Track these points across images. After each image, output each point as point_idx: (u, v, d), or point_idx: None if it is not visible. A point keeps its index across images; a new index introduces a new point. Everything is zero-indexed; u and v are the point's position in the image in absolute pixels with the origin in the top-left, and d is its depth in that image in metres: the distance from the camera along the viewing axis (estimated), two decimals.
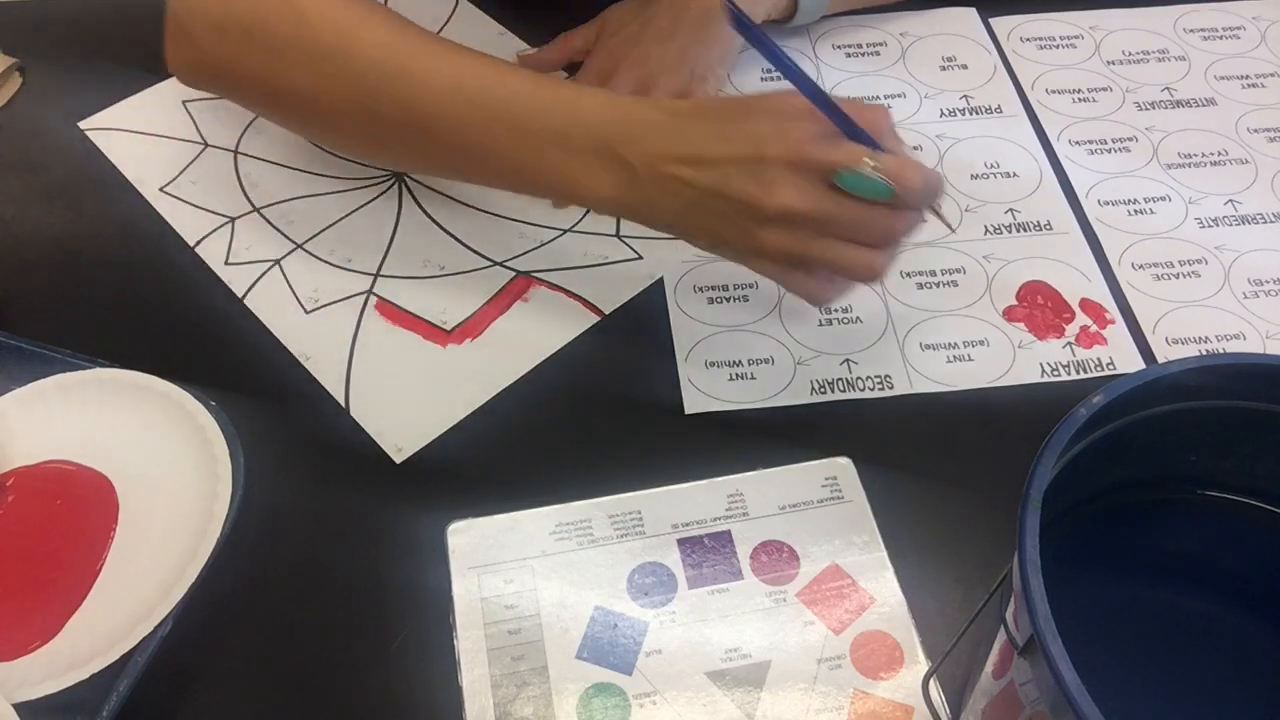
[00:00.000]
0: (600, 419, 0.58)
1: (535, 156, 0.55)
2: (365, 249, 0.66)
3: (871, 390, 0.60)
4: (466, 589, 0.51)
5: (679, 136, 0.53)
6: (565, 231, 0.67)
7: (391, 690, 0.49)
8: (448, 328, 0.62)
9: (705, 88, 0.71)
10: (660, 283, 0.65)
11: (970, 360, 0.61)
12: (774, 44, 0.50)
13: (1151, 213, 0.69)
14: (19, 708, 0.46)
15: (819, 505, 0.54)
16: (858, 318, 0.63)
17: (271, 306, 0.63)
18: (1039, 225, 0.68)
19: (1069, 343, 0.62)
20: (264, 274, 0.65)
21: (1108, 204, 0.69)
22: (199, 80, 0.63)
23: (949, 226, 0.59)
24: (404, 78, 0.55)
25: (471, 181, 0.65)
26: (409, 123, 0.56)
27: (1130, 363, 0.61)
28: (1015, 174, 0.71)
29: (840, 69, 0.78)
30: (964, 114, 0.75)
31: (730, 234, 0.54)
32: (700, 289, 0.64)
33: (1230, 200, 0.69)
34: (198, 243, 0.66)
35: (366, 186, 0.70)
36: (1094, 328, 0.62)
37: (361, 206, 0.68)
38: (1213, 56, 0.79)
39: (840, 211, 0.51)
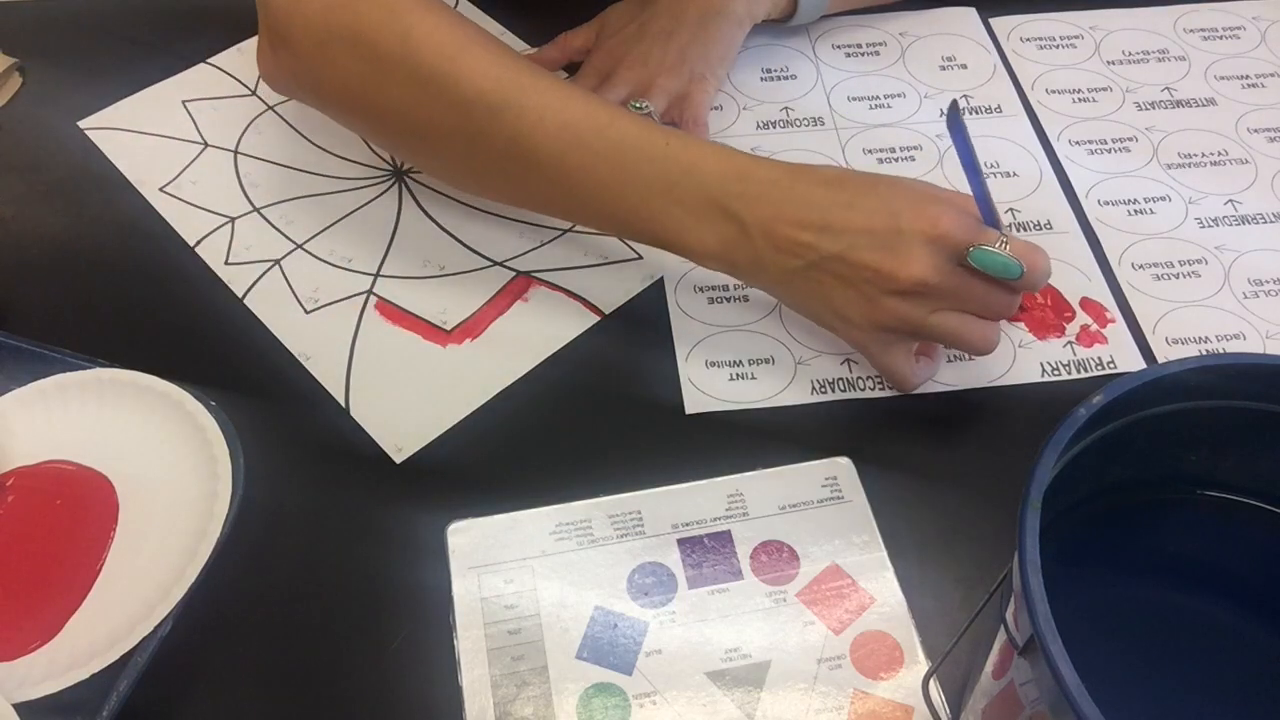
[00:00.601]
0: (600, 419, 0.58)
1: (640, 203, 0.55)
2: (365, 249, 0.66)
3: (871, 390, 0.60)
4: (466, 589, 0.51)
5: (801, 200, 0.53)
6: (565, 231, 0.67)
7: (391, 690, 0.49)
8: (448, 328, 0.62)
9: (705, 87, 0.71)
10: (660, 283, 0.65)
11: (970, 360, 0.61)
12: (969, 143, 0.51)
13: (1151, 213, 0.69)
14: (19, 708, 0.46)
15: (819, 505, 0.54)
16: None
17: (271, 306, 0.63)
18: (1039, 225, 0.68)
19: (1069, 342, 0.62)
20: (264, 274, 0.65)
21: (1108, 204, 0.69)
22: (294, 90, 0.62)
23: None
24: (510, 111, 0.54)
25: (572, 220, 0.66)
26: (511, 156, 0.55)
27: (1130, 362, 0.61)
28: (1015, 174, 0.71)
29: (840, 69, 0.78)
30: (964, 114, 0.75)
31: (845, 299, 0.54)
32: (700, 289, 0.64)
33: (1230, 200, 0.69)
34: (198, 243, 0.66)
35: (366, 186, 0.70)
36: (1094, 327, 0.62)
37: (361, 206, 0.68)
38: (1213, 56, 0.79)
39: (967, 287, 0.53)
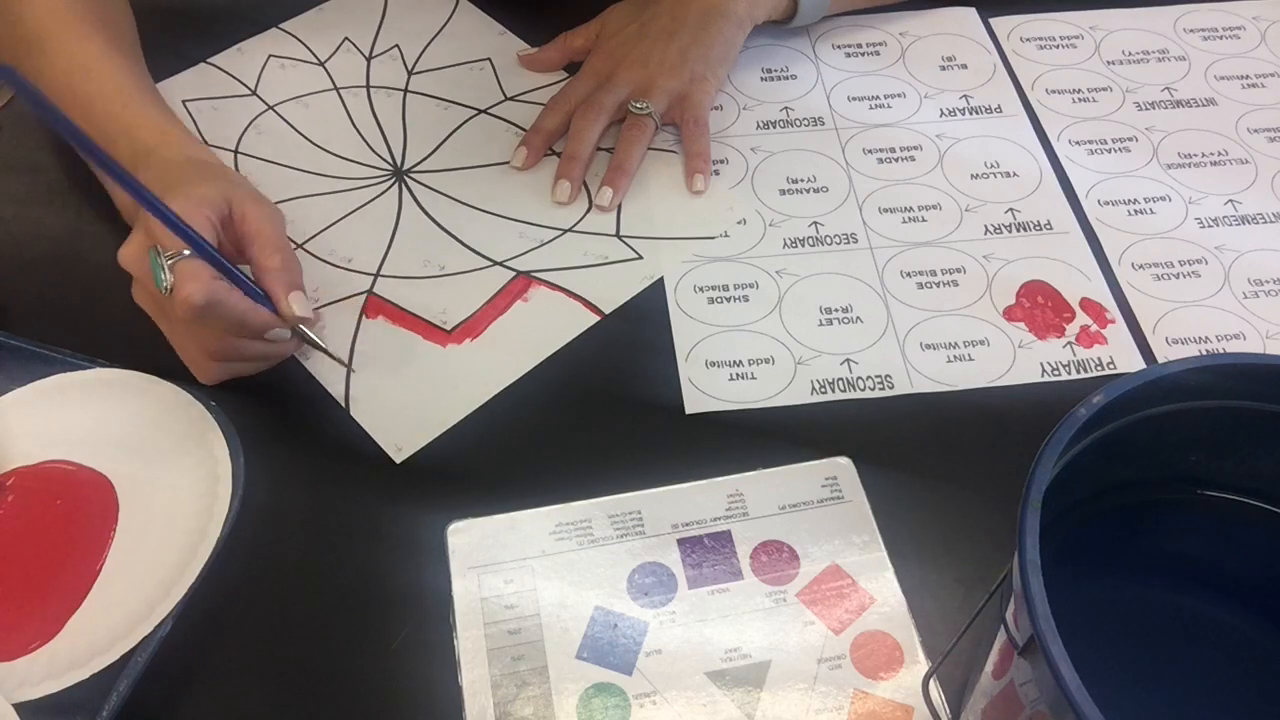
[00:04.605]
0: (600, 419, 0.58)
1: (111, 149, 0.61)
2: (365, 249, 0.66)
3: (871, 390, 0.60)
4: (466, 589, 0.51)
5: (157, 176, 0.56)
6: (565, 231, 0.67)
7: (391, 690, 0.49)
8: (448, 328, 0.62)
9: (705, 88, 0.71)
10: (660, 283, 0.65)
11: (970, 360, 0.61)
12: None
13: (1151, 213, 0.69)
14: (19, 708, 0.46)
15: (819, 505, 0.54)
16: (858, 318, 0.63)
17: None
18: (1039, 225, 0.68)
19: (1069, 342, 0.62)
20: None
21: (1108, 204, 0.69)
22: None
23: (337, 359, 0.60)
24: (35, 47, 0.61)
25: None
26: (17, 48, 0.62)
27: (1130, 363, 0.61)
28: (1015, 174, 0.71)
29: (840, 69, 0.78)
30: (964, 114, 0.75)
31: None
32: (700, 289, 0.64)
33: (1230, 200, 0.69)
34: None
35: (366, 186, 0.70)
36: (1094, 327, 0.62)
37: (361, 206, 0.68)
38: (1213, 56, 0.79)
39: (161, 301, 0.54)
